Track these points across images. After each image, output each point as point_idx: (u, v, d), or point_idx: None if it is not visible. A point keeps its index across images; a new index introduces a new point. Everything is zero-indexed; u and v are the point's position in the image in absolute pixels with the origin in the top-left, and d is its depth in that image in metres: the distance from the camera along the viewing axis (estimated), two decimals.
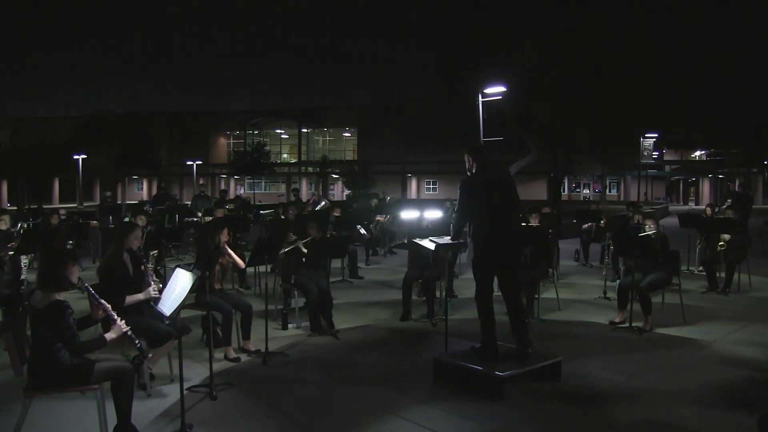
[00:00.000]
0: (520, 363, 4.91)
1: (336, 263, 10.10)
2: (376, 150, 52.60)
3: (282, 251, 6.89)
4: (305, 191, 50.38)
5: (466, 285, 9.61)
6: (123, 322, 3.97)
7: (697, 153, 54.86)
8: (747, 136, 44.49)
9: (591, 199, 45.54)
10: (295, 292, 7.20)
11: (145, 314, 4.88)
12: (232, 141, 63.58)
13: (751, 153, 44.76)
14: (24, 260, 6.85)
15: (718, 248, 9.27)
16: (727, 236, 9.21)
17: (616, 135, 25.35)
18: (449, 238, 5.34)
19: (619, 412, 4.51)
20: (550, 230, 9.36)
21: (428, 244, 5.74)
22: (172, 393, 4.76)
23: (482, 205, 5.02)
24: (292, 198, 16.83)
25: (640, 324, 6.71)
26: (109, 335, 3.91)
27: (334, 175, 51.83)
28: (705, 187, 49.84)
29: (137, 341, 4.02)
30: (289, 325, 6.99)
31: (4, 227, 7.51)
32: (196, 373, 5.28)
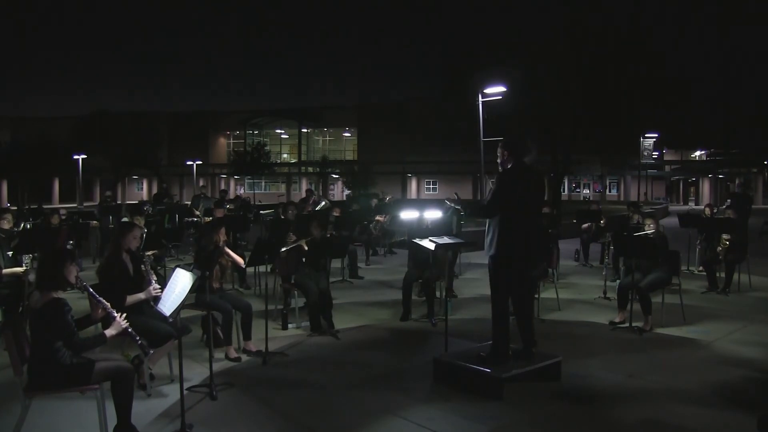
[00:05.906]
0: (521, 363, 4.91)
1: (336, 263, 10.11)
2: (376, 150, 52.61)
3: (283, 249, 6.88)
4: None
5: (466, 285, 9.63)
6: (124, 319, 3.97)
7: (697, 153, 54.84)
8: (747, 136, 44.53)
9: (591, 199, 45.55)
10: (295, 292, 7.20)
11: (145, 314, 4.88)
12: (232, 141, 63.58)
13: (751, 153, 44.74)
14: (26, 259, 6.83)
15: (720, 248, 9.25)
16: (726, 236, 9.21)
17: (616, 135, 25.36)
18: (464, 208, 5.33)
19: (619, 412, 4.51)
20: (549, 230, 9.38)
21: (428, 244, 5.75)
22: (172, 393, 4.76)
23: (518, 200, 4.89)
24: (314, 197, 16.25)
25: (640, 324, 6.71)
26: (109, 332, 3.91)
27: (334, 175, 51.84)
28: (705, 187, 49.83)
29: (138, 338, 4.02)
30: (289, 325, 6.99)
31: (6, 226, 7.50)
32: (196, 373, 5.28)
